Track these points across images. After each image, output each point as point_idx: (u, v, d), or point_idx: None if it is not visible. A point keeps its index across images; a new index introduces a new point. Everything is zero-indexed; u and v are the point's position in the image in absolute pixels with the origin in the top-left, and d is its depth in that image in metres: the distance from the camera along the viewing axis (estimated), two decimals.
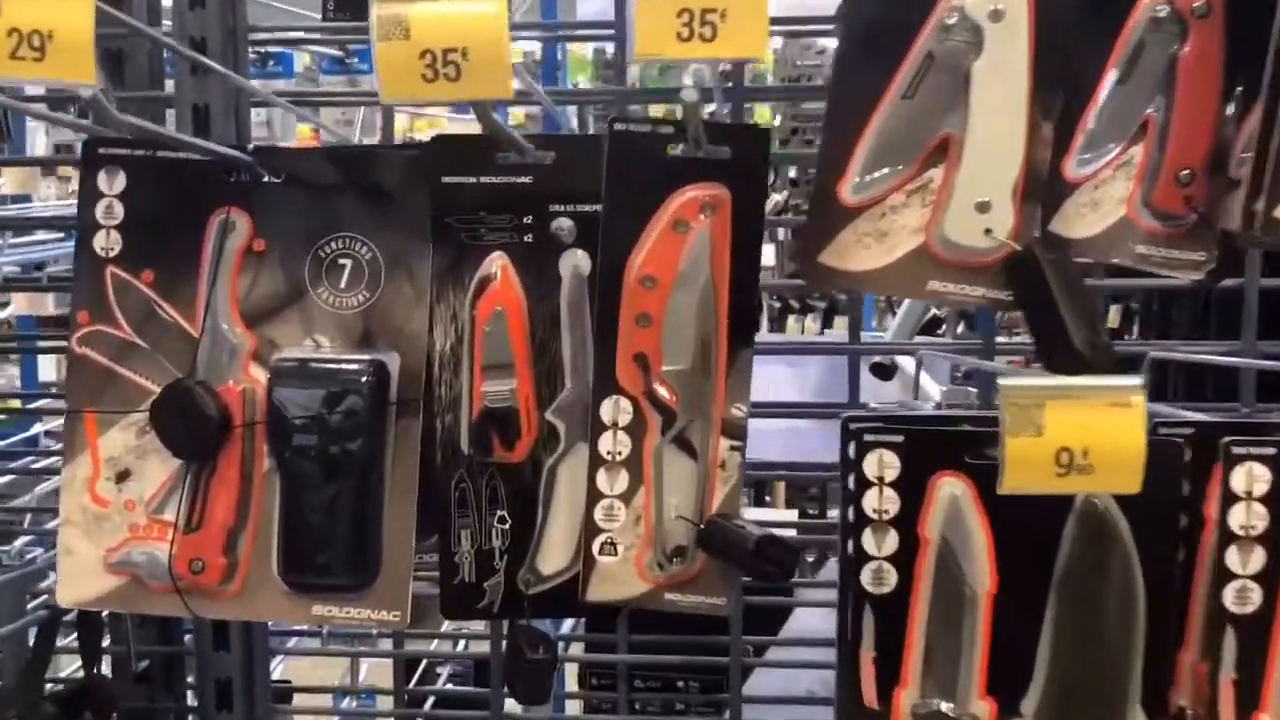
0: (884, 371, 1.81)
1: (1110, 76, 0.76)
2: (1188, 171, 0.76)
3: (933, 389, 1.49)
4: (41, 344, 2.05)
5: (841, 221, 0.75)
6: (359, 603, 0.88)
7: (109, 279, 0.90)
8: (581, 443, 0.83)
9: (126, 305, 0.90)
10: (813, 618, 1.43)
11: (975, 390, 0.97)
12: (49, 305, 3.18)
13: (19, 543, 1.39)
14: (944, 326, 2.82)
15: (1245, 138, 0.76)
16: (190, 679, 1.34)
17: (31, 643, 1.17)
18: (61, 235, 1.97)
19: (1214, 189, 0.76)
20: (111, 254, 0.90)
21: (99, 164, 0.90)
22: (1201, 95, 0.75)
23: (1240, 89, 0.75)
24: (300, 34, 1.44)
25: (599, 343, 0.79)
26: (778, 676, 1.34)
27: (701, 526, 0.77)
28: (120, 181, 0.90)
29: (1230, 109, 0.76)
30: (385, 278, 0.88)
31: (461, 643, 1.95)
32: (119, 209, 0.90)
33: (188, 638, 1.36)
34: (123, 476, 0.90)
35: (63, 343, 0.94)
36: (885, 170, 0.74)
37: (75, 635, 1.17)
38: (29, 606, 1.26)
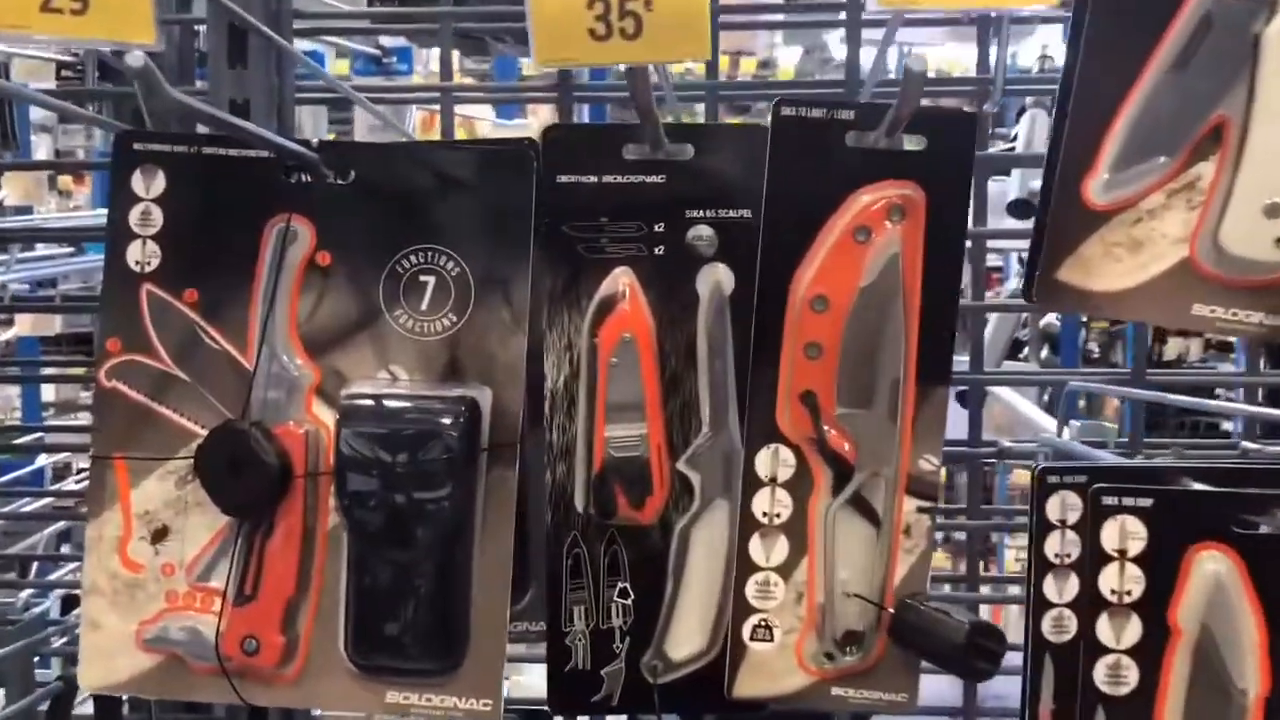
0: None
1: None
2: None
3: (1040, 417, 1.34)
4: (46, 370, 1.90)
5: (1086, 228, 0.60)
6: (442, 689, 0.74)
7: (145, 299, 0.75)
8: (721, 499, 0.68)
9: (166, 330, 0.75)
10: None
11: (1112, 424, 0.83)
12: (55, 325, 3.01)
13: (25, 594, 1.23)
14: (1025, 350, 2.66)
15: None
16: None
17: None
18: (71, 250, 1.83)
19: None
20: (148, 269, 0.75)
21: (133, 163, 0.75)
22: None
23: None
24: (346, 21, 1.29)
25: (755, 378, 0.64)
26: None
27: (890, 610, 0.62)
28: (159, 183, 0.75)
29: None
30: (475, 298, 0.73)
31: None
32: (157, 215, 0.75)
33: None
34: (159, 535, 0.75)
35: (71, 365, 0.79)
36: (1143, 164, 0.60)
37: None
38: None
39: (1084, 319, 1.99)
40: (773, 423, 0.64)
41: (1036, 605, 0.66)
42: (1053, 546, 0.66)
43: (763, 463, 0.65)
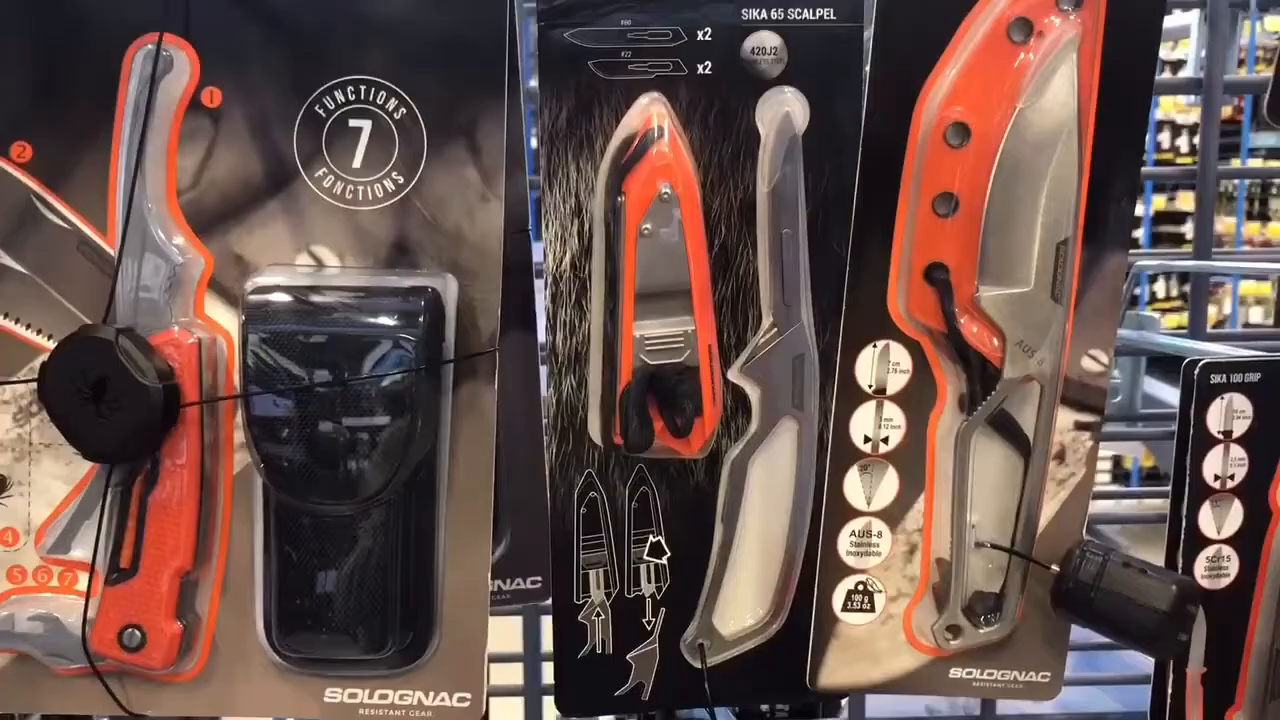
0: None
1: None
2: None
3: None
4: None
5: None
6: (403, 682, 0.55)
7: None
8: (787, 420, 0.49)
9: None
10: None
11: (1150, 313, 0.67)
12: None
13: None
14: None
15: None
16: None
17: None
18: None
19: None
20: None
21: None
22: None
23: None
24: None
25: (857, 247, 0.45)
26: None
27: (1056, 568, 0.44)
28: None
29: None
30: (429, 150, 0.53)
31: None
32: None
33: None
34: None
35: None
36: None
37: None
38: None
39: None
40: (882, 310, 0.45)
41: (1188, 538, 0.50)
42: (1213, 467, 0.49)
43: (865, 366, 0.46)
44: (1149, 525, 0.73)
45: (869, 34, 0.46)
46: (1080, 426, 0.47)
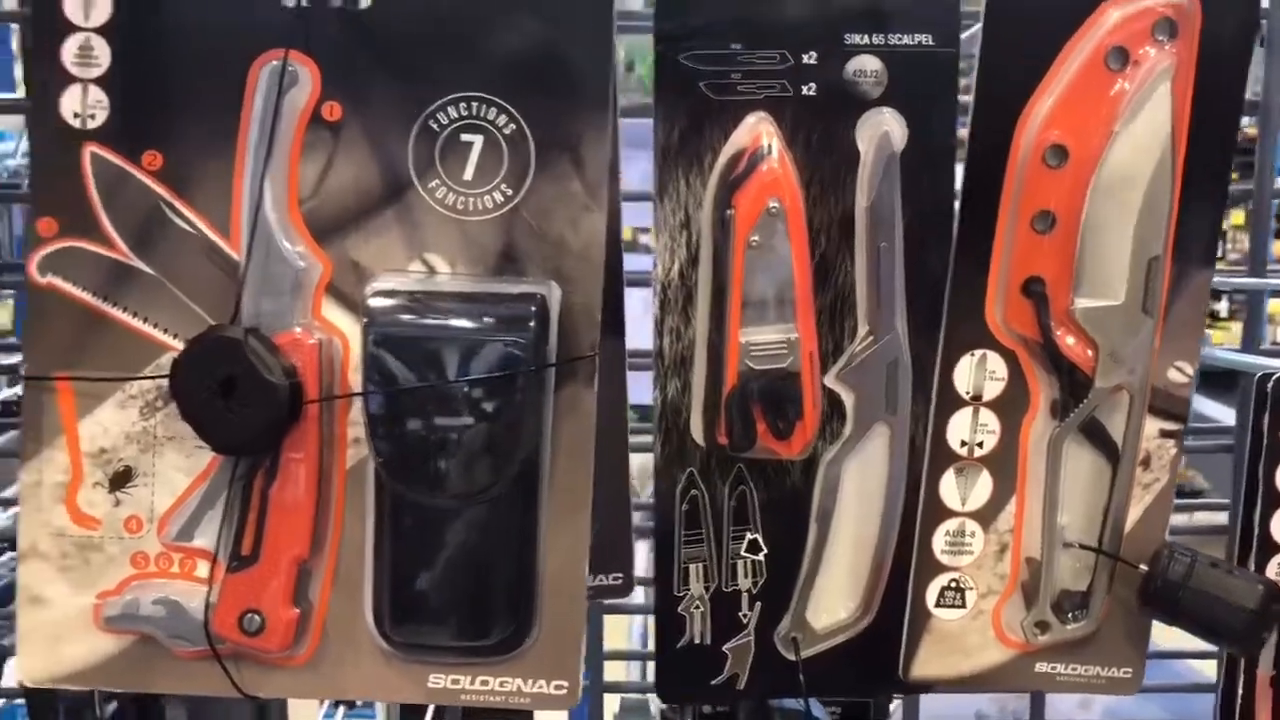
0: None
1: None
2: None
3: None
4: None
5: None
6: (503, 669, 0.58)
7: (88, 164, 0.56)
8: (880, 425, 0.52)
9: (119, 207, 0.57)
10: None
11: None
12: None
13: None
14: None
15: None
16: None
17: None
18: None
19: None
20: (92, 124, 0.57)
21: None
22: None
23: None
24: None
25: (960, 261, 0.47)
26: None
27: (1144, 568, 0.47)
28: (103, 6, 0.55)
29: None
30: (536, 163, 0.55)
31: None
32: (102, 51, 0.56)
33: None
34: (120, 480, 0.58)
35: None
36: None
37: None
38: None
39: None
40: (980, 321, 0.48)
41: (1262, 547, 0.52)
42: None
43: (964, 375, 0.49)
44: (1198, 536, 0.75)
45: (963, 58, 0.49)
46: (1165, 434, 0.49)
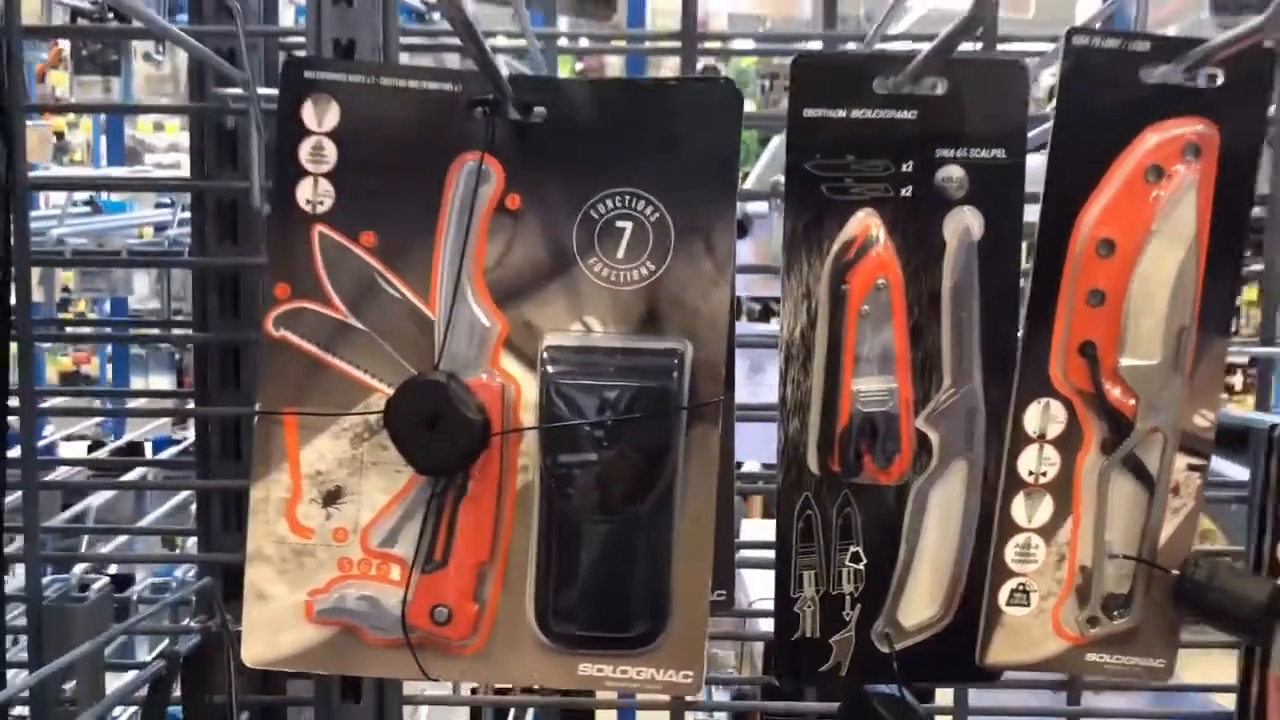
0: None
1: None
2: None
3: None
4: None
5: None
6: (639, 660, 0.69)
7: (317, 241, 0.69)
8: (960, 460, 0.65)
9: (340, 276, 0.70)
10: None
11: None
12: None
13: (78, 570, 1.16)
14: None
15: None
16: None
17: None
18: (87, 209, 1.72)
19: None
20: (320, 209, 0.70)
21: (305, 92, 0.69)
22: None
23: None
24: None
25: (1030, 329, 0.60)
26: None
27: (1176, 572, 0.59)
28: (332, 115, 0.69)
29: None
30: (676, 245, 0.69)
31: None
32: (330, 150, 0.70)
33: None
34: (332, 497, 0.70)
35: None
36: None
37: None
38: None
39: None
40: (1045, 375, 0.61)
41: (1271, 568, 0.64)
42: None
43: (1032, 418, 0.61)
44: None
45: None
46: (1191, 468, 0.62)
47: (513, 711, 1.31)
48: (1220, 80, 0.59)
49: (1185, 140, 0.59)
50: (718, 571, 0.76)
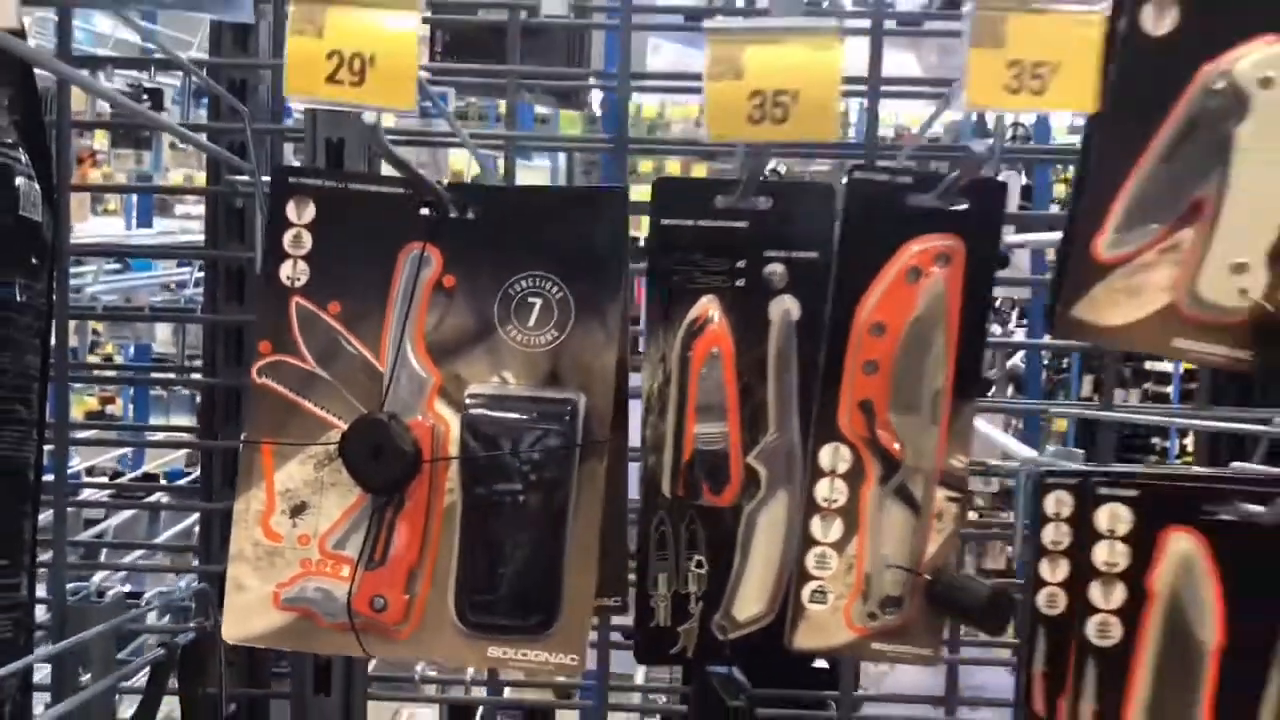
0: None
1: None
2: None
3: (1017, 447, 1.51)
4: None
5: (1096, 277, 0.77)
6: (536, 645, 0.87)
7: (294, 309, 0.89)
8: (782, 489, 0.83)
9: (311, 337, 0.89)
10: (907, 674, 1.43)
11: (1081, 451, 0.99)
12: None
13: (97, 578, 1.35)
14: (993, 389, 2.88)
15: None
16: None
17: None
18: (118, 267, 1.94)
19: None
20: (298, 284, 0.89)
21: (289, 193, 0.89)
22: None
23: None
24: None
25: (824, 389, 0.79)
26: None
27: (929, 577, 0.78)
28: (309, 212, 0.89)
29: None
30: (575, 318, 0.88)
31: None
32: (307, 239, 0.89)
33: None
34: (298, 510, 0.88)
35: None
36: (1140, 229, 0.76)
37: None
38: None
39: (1044, 362, 2.22)
40: (835, 425, 0.79)
41: (1035, 583, 0.82)
42: (1049, 535, 0.82)
43: (825, 457, 0.80)
44: None
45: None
46: (950, 499, 0.80)
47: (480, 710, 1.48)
48: (965, 205, 0.78)
49: (938, 250, 0.78)
50: (613, 581, 0.94)
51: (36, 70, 1.05)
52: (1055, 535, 0.81)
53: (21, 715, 1.04)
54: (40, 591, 1.25)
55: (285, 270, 0.89)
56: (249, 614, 0.88)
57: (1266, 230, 0.75)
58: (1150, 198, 0.76)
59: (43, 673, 1.18)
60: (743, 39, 0.60)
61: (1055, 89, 0.61)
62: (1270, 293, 0.75)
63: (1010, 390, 2.51)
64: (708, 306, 0.82)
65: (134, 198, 4.08)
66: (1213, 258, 0.75)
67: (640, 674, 1.63)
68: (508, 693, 1.32)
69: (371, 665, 1.26)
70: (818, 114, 0.61)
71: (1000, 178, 1.58)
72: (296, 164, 1.28)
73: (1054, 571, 0.82)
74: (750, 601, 0.83)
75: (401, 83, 0.62)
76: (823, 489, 0.80)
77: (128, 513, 1.82)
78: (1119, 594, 0.76)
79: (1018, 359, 2.69)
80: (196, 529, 1.51)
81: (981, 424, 1.95)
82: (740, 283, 0.83)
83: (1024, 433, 1.90)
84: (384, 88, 0.62)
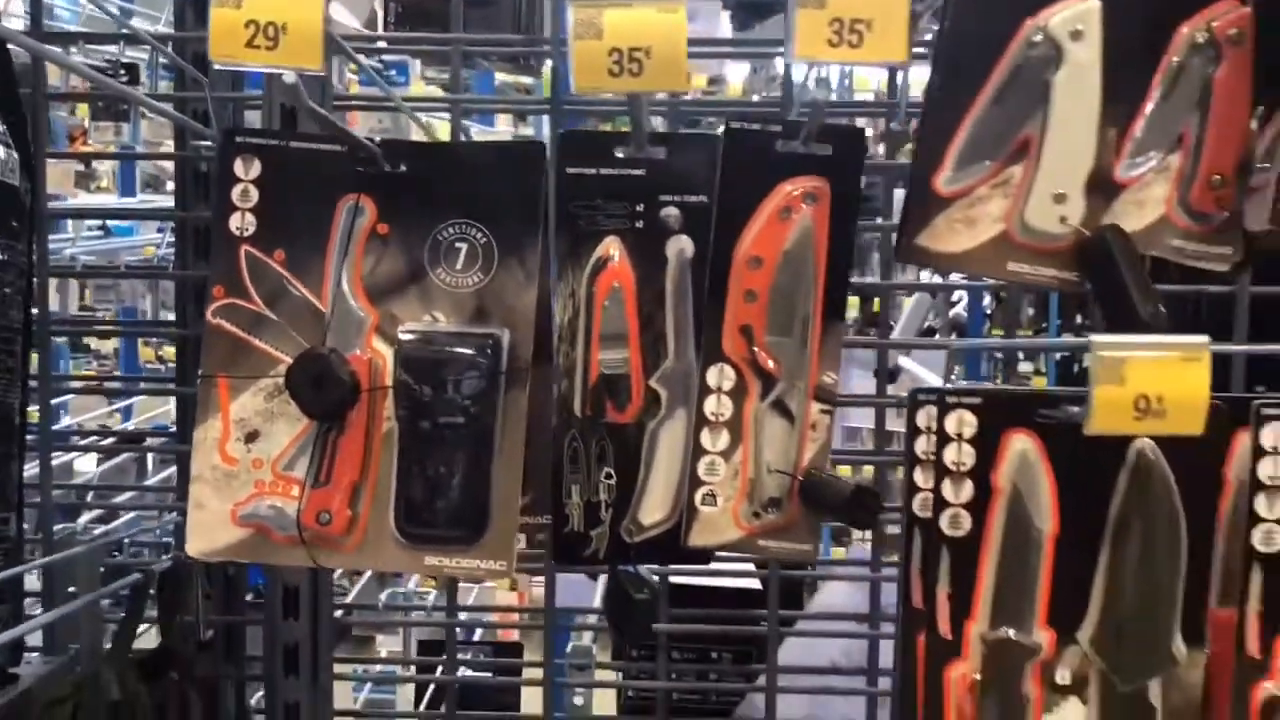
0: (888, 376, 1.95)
1: (1155, 93, 0.88)
2: (1219, 177, 0.89)
3: (926, 375, 1.61)
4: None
5: (936, 209, 0.86)
6: (469, 553, 0.97)
7: (243, 257, 0.98)
8: (681, 408, 0.93)
9: (259, 281, 0.98)
10: (835, 596, 1.54)
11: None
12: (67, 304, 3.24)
13: (83, 519, 1.45)
14: (936, 336, 2.98)
15: (1265, 149, 0.89)
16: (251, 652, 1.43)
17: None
18: (99, 233, 2.04)
19: (1241, 193, 0.88)
20: (246, 234, 0.98)
21: (236, 152, 0.99)
22: (1233, 111, 0.87)
23: (1263, 107, 0.88)
24: (369, 43, 1.53)
25: (708, 316, 0.89)
26: (800, 647, 1.45)
27: (800, 478, 0.88)
28: (255, 168, 0.98)
29: (1255, 124, 0.88)
30: (498, 261, 0.97)
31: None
32: (254, 193, 0.98)
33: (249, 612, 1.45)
34: (251, 437, 0.98)
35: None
36: (975, 165, 0.86)
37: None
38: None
39: (987, 314, 2.32)
40: (720, 348, 0.90)
41: (908, 489, 0.91)
42: (920, 445, 0.90)
43: (712, 376, 0.90)
44: None
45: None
46: (823, 411, 0.90)
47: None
48: (830, 150, 0.88)
49: (806, 190, 0.88)
50: (544, 503, 1.04)
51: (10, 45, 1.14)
52: (925, 445, 0.90)
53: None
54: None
55: (234, 222, 0.98)
56: (210, 530, 0.98)
57: (1082, 164, 0.85)
58: (983, 138, 0.86)
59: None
60: (601, 3, 0.70)
61: (870, 43, 0.71)
62: (1088, 219, 0.85)
63: (953, 336, 2.62)
64: (610, 246, 0.92)
65: (120, 174, 4.19)
66: (1037, 190, 0.85)
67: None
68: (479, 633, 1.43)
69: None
70: (669, 67, 0.71)
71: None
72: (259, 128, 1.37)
73: (926, 479, 0.91)
74: (654, 508, 0.94)
75: (310, 46, 0.71)
76: (710, 404, 0.90)
77: (116, 464, 1.94)
78: (967, 490, 0.86)
79: (960, 308, 2.80)
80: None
81: (920, 370, 2.06)
82: (639, 224, 0.92)
83: (966, 377, 2.02)
84: (295, 51, 0.71)
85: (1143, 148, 0.89)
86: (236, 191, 0.99)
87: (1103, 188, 0.87)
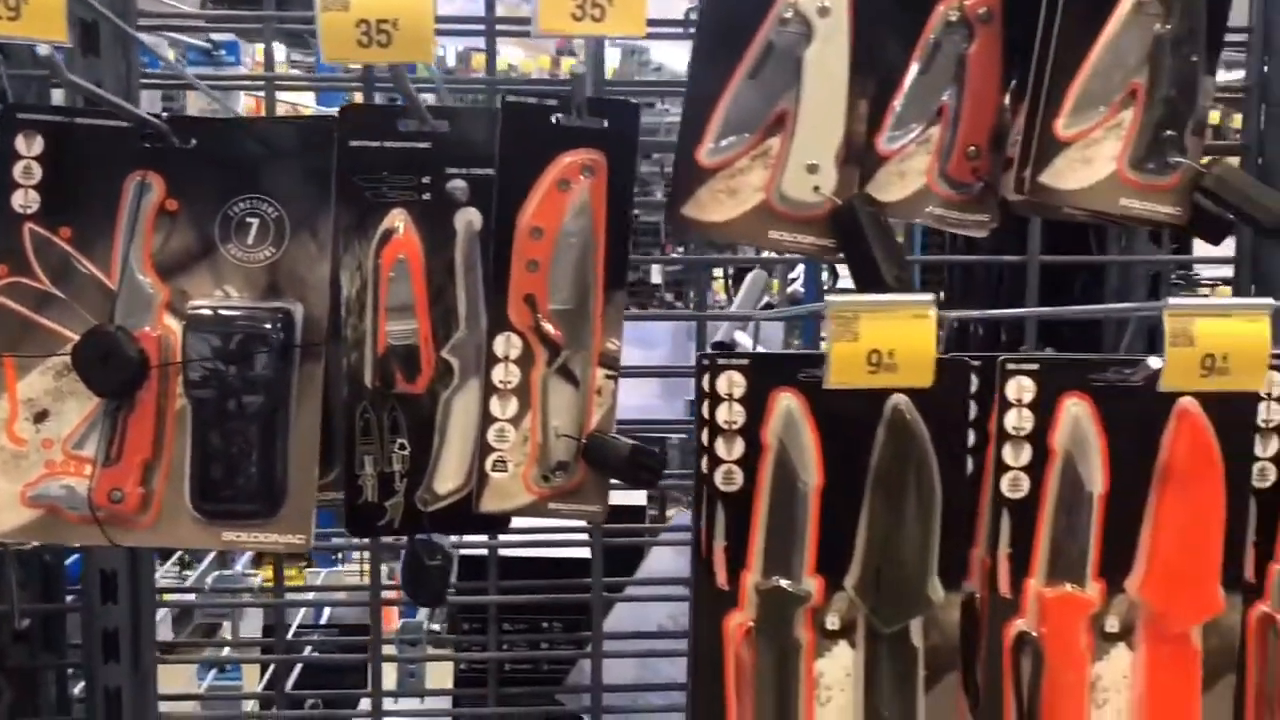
0: (724, 350, 2.00)
1: (913, 68, 0.93)
2: (975, 148, 0.94)
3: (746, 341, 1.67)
4: None
5: (700, 180, 0.90)
6: (266, 528, 0.98)
7: (27, 235, 0.97)
8: (473, 378, 0.95)
9: (44, 259, 0.97)
10: (663, 562, 1.58)
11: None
12: None
13: None
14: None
15: (1018, 123, 0.94)
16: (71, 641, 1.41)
17: None
18: None
19: (996, 164, 0.94)
20: (29, 211, 0.97)
21: (17, 128, 0.97)
22: (985, 86, 0.93)
23: (1014, 82, 0.94)
24: (184, 21, 1.51)
25: (492, 286, 0.91)
26: (630, 612, 1.48)
27: (584, 441, 0.91)
28: (38, 145, 0.97)
29: (1007, 99, 0.94)
30: (290, 235, 0.98)
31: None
32: (37, 170, 0.97)
33: (70, 598, 1.42)
34: (41, 417, 0.97)
35: None
36: (734, 138, 0.90)
37: None
38: None
39: (824, 289, 2.40)
40: (505, 317, 0.92)
41: (699, 450, 0.94)
42: (721, 414, 0.93)
43: (499, 345, 0.92)
44: None
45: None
46: (607, 377, 0.93)
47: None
48: (606, 124, 0.91)
49: (583, 163, 0.90)
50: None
51: None
52: (728, 415, 0.92)
53: None
54: None
55: (17, 199, 0.97)
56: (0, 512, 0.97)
57: (833, 135, 0.90)
58: (741, 111, 0.90)
59: None
60: None
61: (611, 18, 0.74)
62: (842, 189, 0.90)
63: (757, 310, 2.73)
64: (395, 218, 0.93)
65: None
66: (792, 161, 0.90)
67: None
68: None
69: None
70: (416, 39, 0.73)
71: None
72: None
73: (730, 449, 0.94)
74: (448, 477, 0.95)
75: (52, 19, 0.71)
76: (498, 373, 0.92)
77: None
78: (739, 447, 0.90)
79: (798, 285, 2.89)
80: None
81: (746, 340, 2.15)
82: (426, 197, 0.94)
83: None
84: (37, 23, 0.71)
85: (903, 121, 0.94)
86: (18, 169, 0.97)
87: (861, 158, 0.91)
